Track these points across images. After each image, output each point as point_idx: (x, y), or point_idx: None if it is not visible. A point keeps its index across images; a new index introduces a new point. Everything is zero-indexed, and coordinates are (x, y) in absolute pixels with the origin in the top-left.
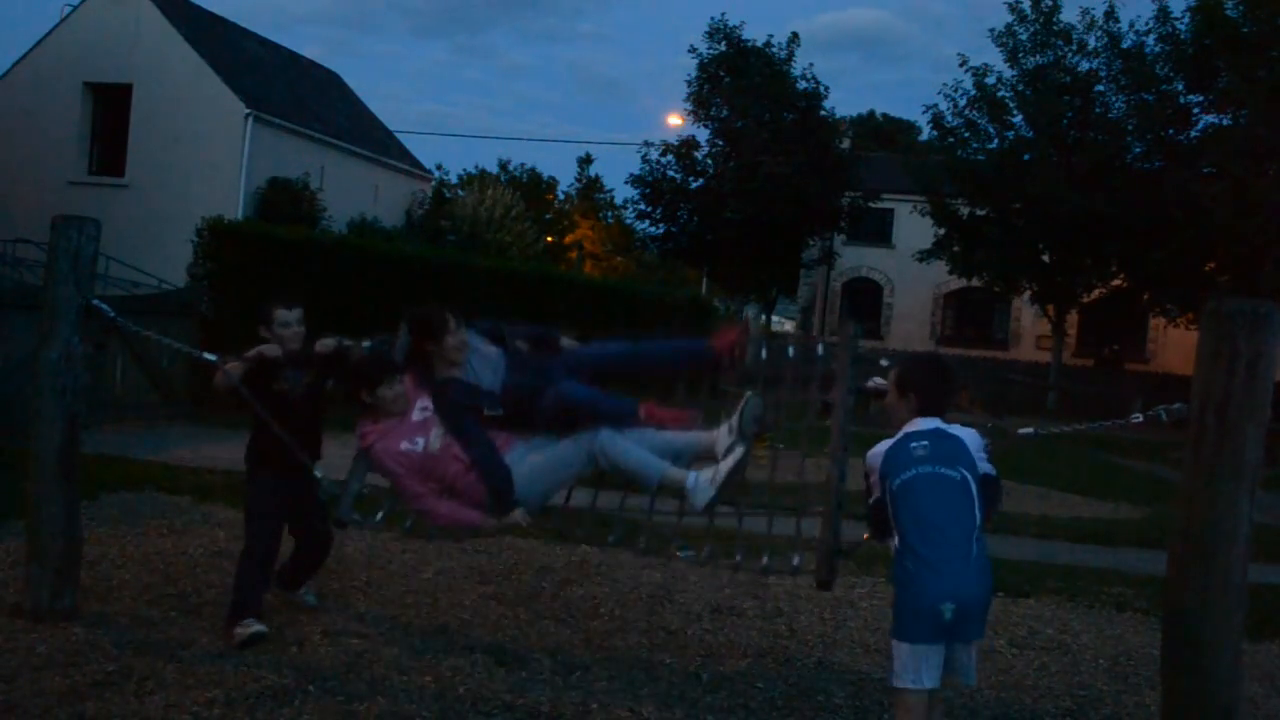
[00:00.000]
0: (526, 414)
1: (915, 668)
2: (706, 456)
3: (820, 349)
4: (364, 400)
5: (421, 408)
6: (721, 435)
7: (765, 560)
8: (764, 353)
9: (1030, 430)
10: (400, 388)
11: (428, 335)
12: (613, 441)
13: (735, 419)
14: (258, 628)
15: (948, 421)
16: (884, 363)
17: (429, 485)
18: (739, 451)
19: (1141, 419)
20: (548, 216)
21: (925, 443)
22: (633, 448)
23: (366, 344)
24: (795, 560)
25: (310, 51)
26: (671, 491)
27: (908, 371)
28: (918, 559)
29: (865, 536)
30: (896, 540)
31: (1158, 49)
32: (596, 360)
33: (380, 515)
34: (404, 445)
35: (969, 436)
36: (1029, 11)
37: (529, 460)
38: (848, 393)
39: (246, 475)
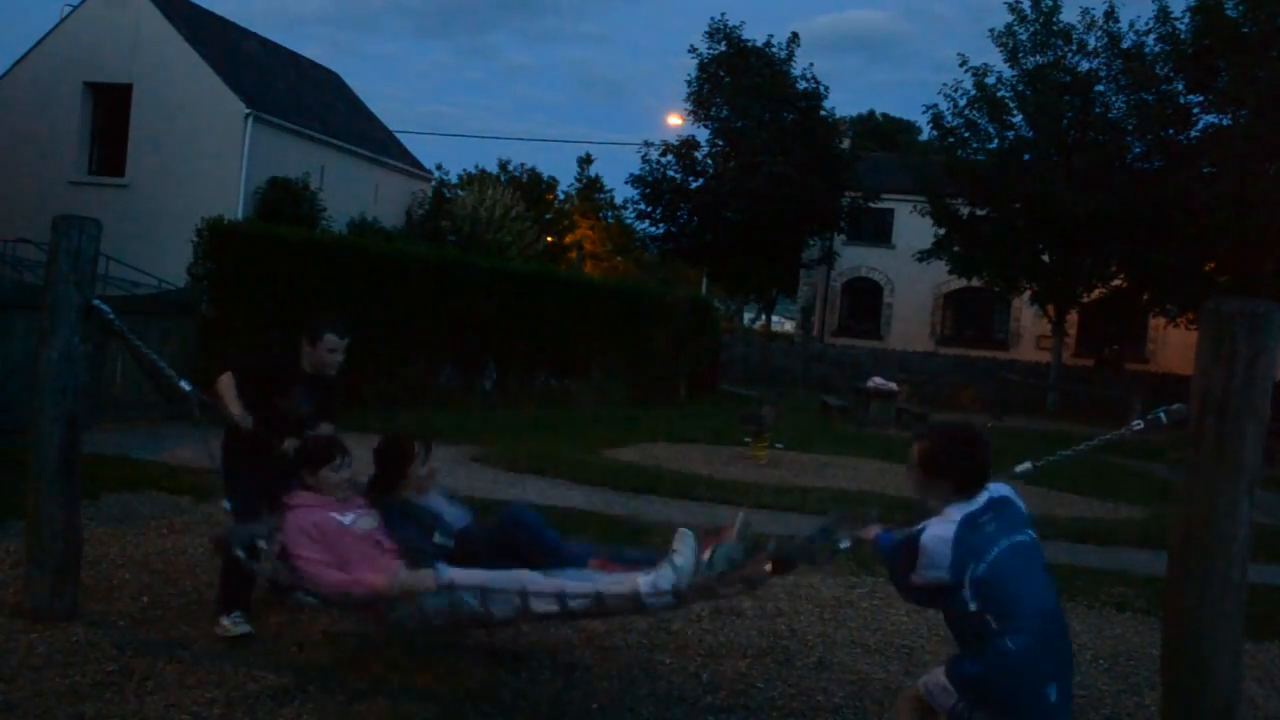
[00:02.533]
0: (474, 554)
1: None
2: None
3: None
4: (305, 481)
5: (364, 507)
6: (677, 566)
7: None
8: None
9: (1028, 466)
10: (347, 474)
11: (394, 464)
12: (543, 581)
13: (702, 555)
14: (245, 628)
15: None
16: (878, 382)
17: (330, 556)
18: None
19: (1143, 425)
20: (548, 216)
21: (990, 516)
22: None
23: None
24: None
25: (312, 52)
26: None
27: (936, 452)
28: (1018, 644)
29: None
30: (981, 624)
31: (1158, 49)
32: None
33: (268, 568)
34: (332, 514)
35: (1013, 494)
36: (1029, 11)
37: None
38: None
39: (223, 468)
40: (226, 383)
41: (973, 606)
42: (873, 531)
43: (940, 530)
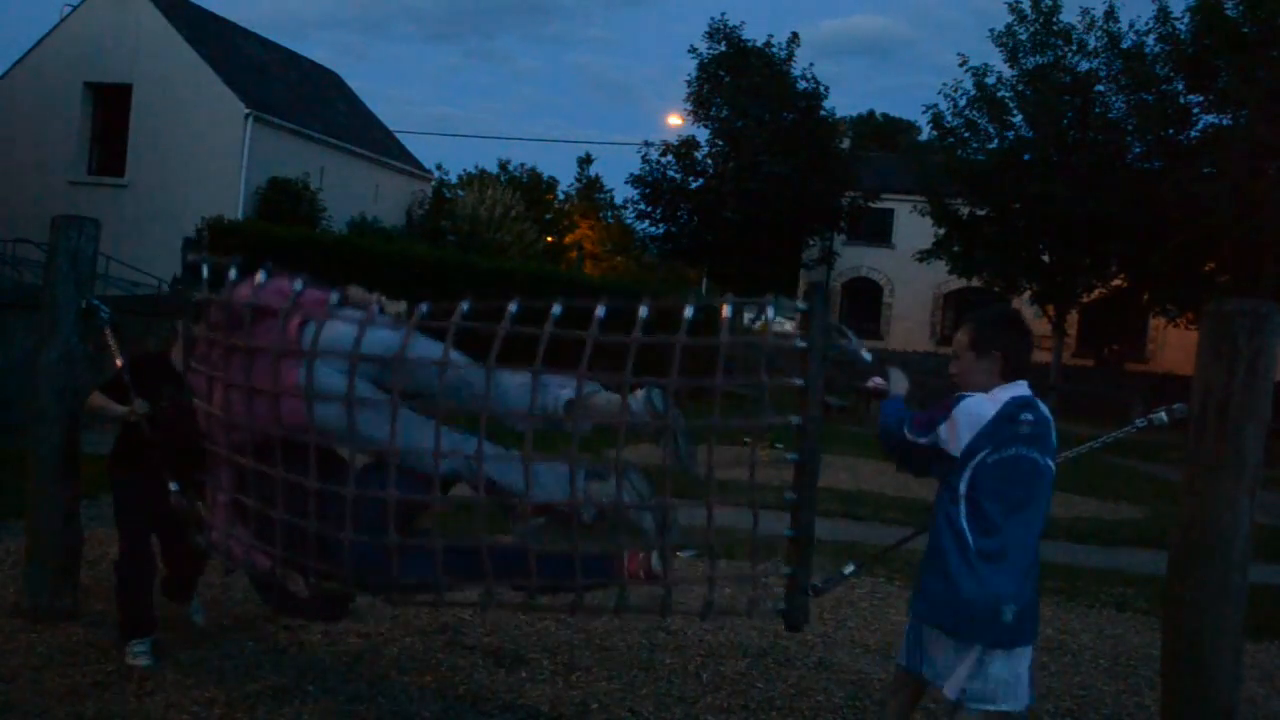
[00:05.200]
0: None
1: (917, 653)
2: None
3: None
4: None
5: None
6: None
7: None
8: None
9: None
10: None
11: None
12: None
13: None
14: (146, 661)
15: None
16: (854, 345)
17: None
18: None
19: (1146, 423)
20: (548, 216)
21: (1030, 418)
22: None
23: None
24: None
25: (322, 56)
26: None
27: (988, 327)
28: (983, 548)
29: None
30: (952, 509)
31: (1158, 49)
32: None
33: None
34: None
35: (1052, 422)
36: (1029, 12)
37: None
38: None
39: (109, 478)
40: (96, 397)
41: (961, 489)
42: (879, 385)
43: (980, 406)
